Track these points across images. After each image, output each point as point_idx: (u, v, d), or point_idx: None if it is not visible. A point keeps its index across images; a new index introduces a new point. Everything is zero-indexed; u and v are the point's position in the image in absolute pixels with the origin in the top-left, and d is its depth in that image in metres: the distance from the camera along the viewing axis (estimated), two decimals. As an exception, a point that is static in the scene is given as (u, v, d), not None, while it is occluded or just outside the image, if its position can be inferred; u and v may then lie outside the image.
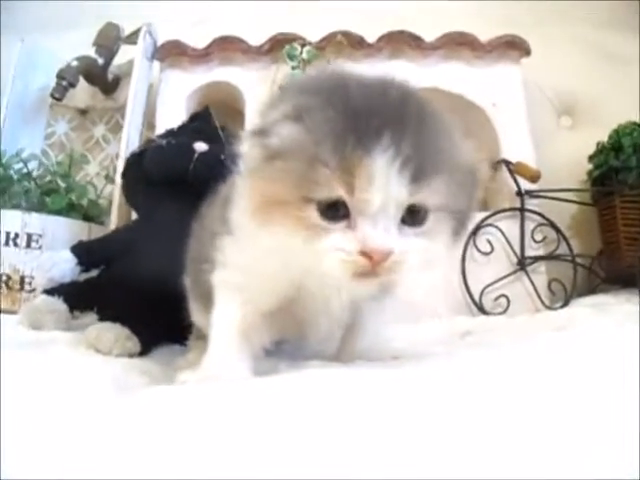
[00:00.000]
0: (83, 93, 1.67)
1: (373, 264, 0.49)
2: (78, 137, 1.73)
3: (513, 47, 1.55)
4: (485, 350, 0.75)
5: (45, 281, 1.16)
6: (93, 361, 0.79)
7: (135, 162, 1.22)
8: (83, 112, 1.75)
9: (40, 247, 1.33)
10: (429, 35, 1.57)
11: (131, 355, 0.90)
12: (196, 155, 1.14)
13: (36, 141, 1.69)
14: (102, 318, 1.05)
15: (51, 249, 1.30)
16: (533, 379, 0.52)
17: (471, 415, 0.43)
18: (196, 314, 0.84)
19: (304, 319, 0.66)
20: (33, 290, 1.31)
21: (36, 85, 1.71)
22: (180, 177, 1.13)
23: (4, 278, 1.31)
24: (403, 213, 0.50)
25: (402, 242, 0.50)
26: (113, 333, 0.91)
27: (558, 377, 0.53)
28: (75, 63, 1.57)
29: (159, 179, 1.16)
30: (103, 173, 1.64)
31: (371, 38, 1.57)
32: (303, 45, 1.47)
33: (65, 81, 1.55)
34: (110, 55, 1.63)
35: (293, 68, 1.48)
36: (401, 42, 1.54)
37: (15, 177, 1.44)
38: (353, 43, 1.53)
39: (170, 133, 1.25)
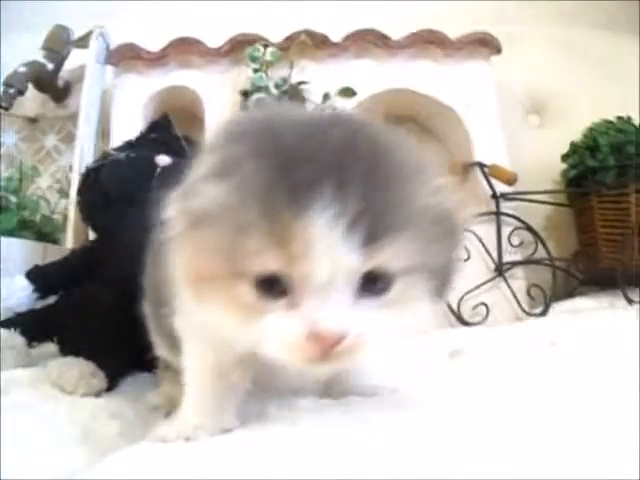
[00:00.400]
0: (32, 101, 1.60)
1: (324, 350, 0.41)
2: (28, 148, 1.65)
3: (483, 44, 1.54)
4: (481, 377, 0.76)
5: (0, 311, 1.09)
6: (59, 410, 0.73)
7: (91, 178, 1.15)
8: (33, 121, 1.67)
9: None
10: (397, 34, 1.54)
11: (97, 393, 0.85)
12: (159, 169, 1.07)
13: (-17, 154, 1.61)
14: (63, 349, 1.00)
15: (4, 273, 1.21)
16: (535, 407, 0.53)
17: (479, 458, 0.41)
18: (160, 349, 0.76)
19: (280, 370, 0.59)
20: None
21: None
22: (141, 194, 1.07)
23: (-48, 308, 1.22)
24: (359, 282, 0.42)
25: (360, 319, 0.42)
26: (77, 370, 0.86)
27: (557, 394, 0.57)
28: (23, 69, 1.49)
29: (118, 196, 1.09)
30: (56, 186, 1.56)
31: (336, 38, 1.53)
32: (266, 46, 1.41)
33: (13, 89, 1.47)
34: (60, 60, 1.56)
35: (255, 71, 1.42)
36: (367, 41, 1.50)
37: None
38: (317, 43, 1.48)
39: (128, 145, 1.18)
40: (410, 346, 1.10)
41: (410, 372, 0.86)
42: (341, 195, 0.39)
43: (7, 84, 1.48)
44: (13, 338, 1.02)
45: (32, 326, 1.05)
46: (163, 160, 1.09)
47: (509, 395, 0.61)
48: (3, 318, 1.07)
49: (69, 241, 1.39)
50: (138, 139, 1.22)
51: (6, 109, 1.50)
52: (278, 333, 0.42)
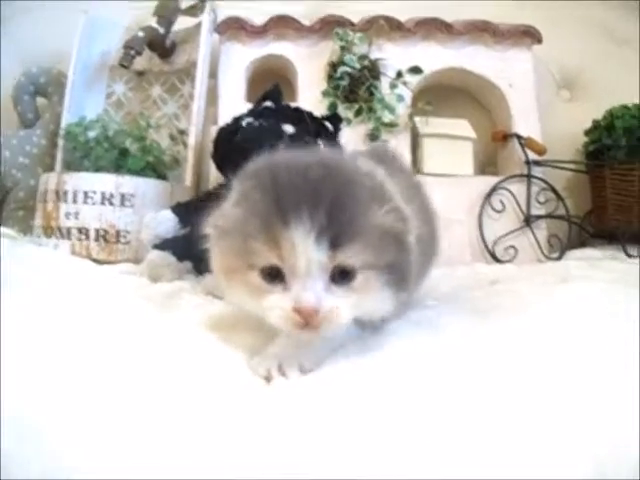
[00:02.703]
0: (141, 57, 1.89)
1: (305, 319, 0.58)
2: (135, 97, 1.99)
3: (528, 35, 1.91)
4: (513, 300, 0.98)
5: (151, 237, 1.39)
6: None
7: (227, 137, 1.48)
8: (140, 74, 2.01)
9: (132, 205, 1.59)
10: (450, 18, 1.89)
11: None
12: (285, 137, 1.37)
13: (99, 102, 1.95)
14: (195, 267, 1.34)
15: (141, 207, 1.58)
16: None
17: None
18: None
19: None
20: (127, 242, 1.58)
21: (97, 51, 1.96)
22: (272, 154, 1.41)
23: (102, 233, 1.57)
24: (330, 274, 0.60)
25: (331, 299, 0.59)
26: None
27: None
28: (141, 34, 1.82)
29: (253, 155, 1.43)
30: (160, 130, 1.90)
31: (402, 16, 1.89)
32: (355, 32, 1.77)
33: (133, 50, 1.79)
34: (169, 25, 1.89)
35: (342, 48, 1.79)
36: (433, 27, 1.88)
37: (95, 141, 1.68)
38: (392, 27, 1.85)
39: (253, 112, 1.52)
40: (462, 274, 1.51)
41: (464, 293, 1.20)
42: (312, 217, 0.57)
43: (128, 46, 1.80)
44: (168, 258, 1.33)
45: (178, 249, 1.33)
46: (288, 129, 1.43)
47: (529, 318, 0.79)
48: (156, 243, 1.37)
49: (188, 180, 1.76)
50: (258, 106, 1.56)
51: (126, 67, 1.83)
52: (276, 307, 0.60)
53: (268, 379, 0.61)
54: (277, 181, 0.61)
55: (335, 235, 0.58)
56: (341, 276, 0.60)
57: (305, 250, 0.58)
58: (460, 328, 0.77)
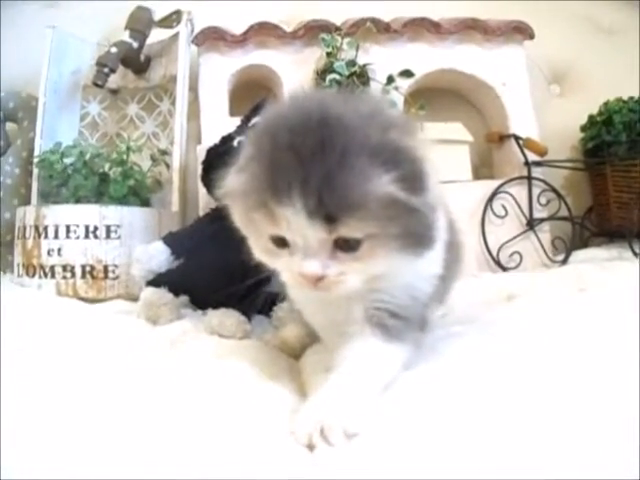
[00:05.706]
0: (115, 74, 1.78)
1: (312, 282, 0.60)
2: (111, 117, 1.87)
3: (519, 31, 1.83)
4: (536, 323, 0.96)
5: (144, 273, 1.27)
6: (246, 351, 0.91)
7: (218, 157, 1.37)
8: (114, 92, 1.89)
9: (119, 237, 1.47)
10: (436, 16, 1.82)
11: (248, 337, 1.07)
12: None
13: (73, 124, 1.83)
14: (194, 301, 1.25)
15: (129, 237, 1.47)
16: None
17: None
18: None
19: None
20: (117, 278, 1.47)
21: (68, 70, 1.84)
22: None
23: (88, 269, 1.45)
24: (333, 244, 0.58)
25: (336, 266, 0.59)
26: (234, 318, 1.09)
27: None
28: (114, 49, 1.70)
29: None
30: (140, 152, 1.77)
31: (386, 17, 1.80)
32: (342, 36, 1.67)
33: (107, 68, 1.69)
34: (143, 38, 1.78)
35: (328, 54, 1.69)
36: (421, 27, 1.78)
37: (72, 168, 1.57)
38: (380, 29, 1.76)
39: (243, 129, 1.42)
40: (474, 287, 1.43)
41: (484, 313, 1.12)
42: (304, 193, 0.55)
43: (101, 64, 1.69)
44: (165, 295, 1.22)
45: (174, 283, 1.23)
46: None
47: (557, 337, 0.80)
48: (148, 279, 1.25)
49: (175, 205, 1.65)
50: (247, 122, 1.46)
51: (101, 87, 1.72)
52: (287, 269, 0.62)
53: (310, 447, 0.53)
54: (273, 152, 0.58)
55: (331, 210, 0.55)
56: (346, 244, 0.59)
57: (300, 228, 0.57)
58: (492, 359, 0.72)
